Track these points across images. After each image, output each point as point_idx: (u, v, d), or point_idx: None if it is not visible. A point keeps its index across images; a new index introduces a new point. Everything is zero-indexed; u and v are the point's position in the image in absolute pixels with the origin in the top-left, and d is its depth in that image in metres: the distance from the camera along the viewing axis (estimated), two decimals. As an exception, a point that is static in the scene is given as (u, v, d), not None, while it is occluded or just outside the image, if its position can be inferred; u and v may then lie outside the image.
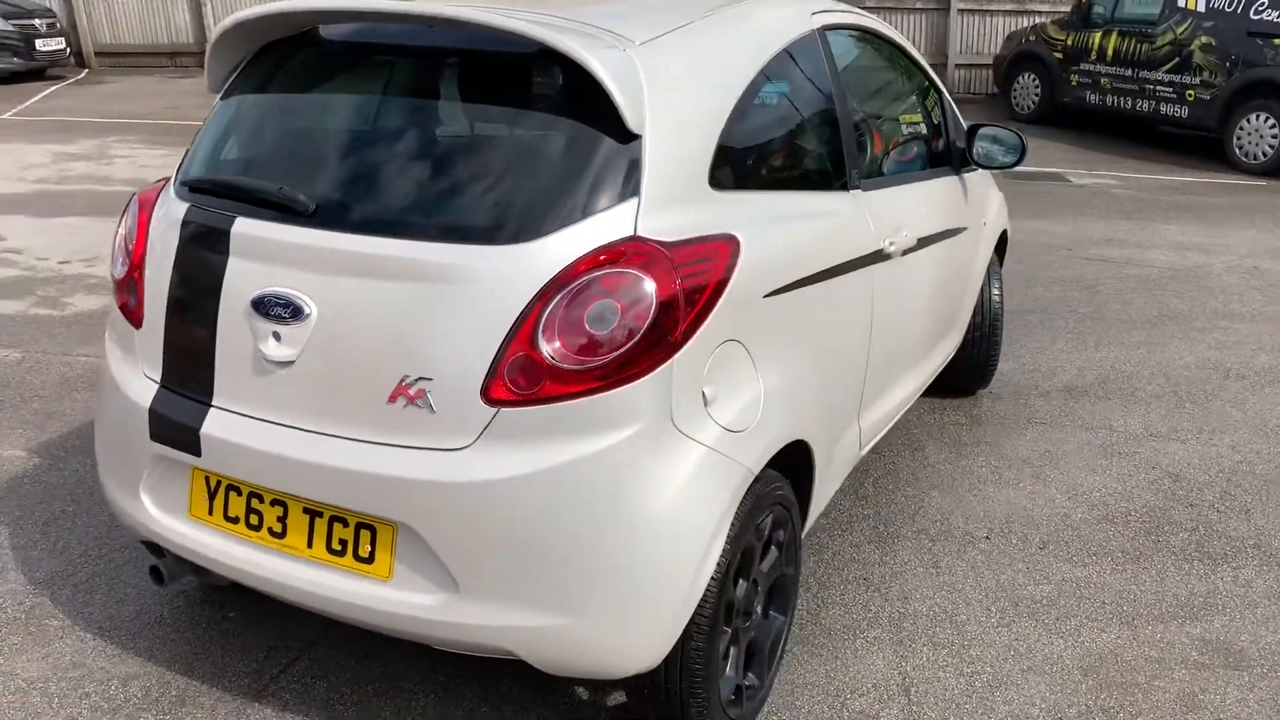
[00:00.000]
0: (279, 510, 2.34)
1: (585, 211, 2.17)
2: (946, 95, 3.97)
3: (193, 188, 2.53)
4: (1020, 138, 3.86)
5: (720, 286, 2.27)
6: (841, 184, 2.95)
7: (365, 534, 2.26)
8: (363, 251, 2.21)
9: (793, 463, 2.70)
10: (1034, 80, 12.59)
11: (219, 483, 2.42)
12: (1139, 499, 3.79)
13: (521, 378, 2.11)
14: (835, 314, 2.79)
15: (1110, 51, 11.58)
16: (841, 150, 2.97)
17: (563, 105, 2.28)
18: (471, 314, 2.13)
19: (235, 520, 2.41)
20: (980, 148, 3.90)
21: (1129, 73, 11.35)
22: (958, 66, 14.64)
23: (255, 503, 2.37)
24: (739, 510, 2.34)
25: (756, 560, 2.53)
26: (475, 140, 2.34)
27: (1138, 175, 9.97)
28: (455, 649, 2.30)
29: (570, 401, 2.11)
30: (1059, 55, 12.14)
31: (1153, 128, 11.74)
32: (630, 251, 2.15)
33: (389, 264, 2.19)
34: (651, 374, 2.14)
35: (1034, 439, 4.26)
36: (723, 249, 2.31)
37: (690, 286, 2.20)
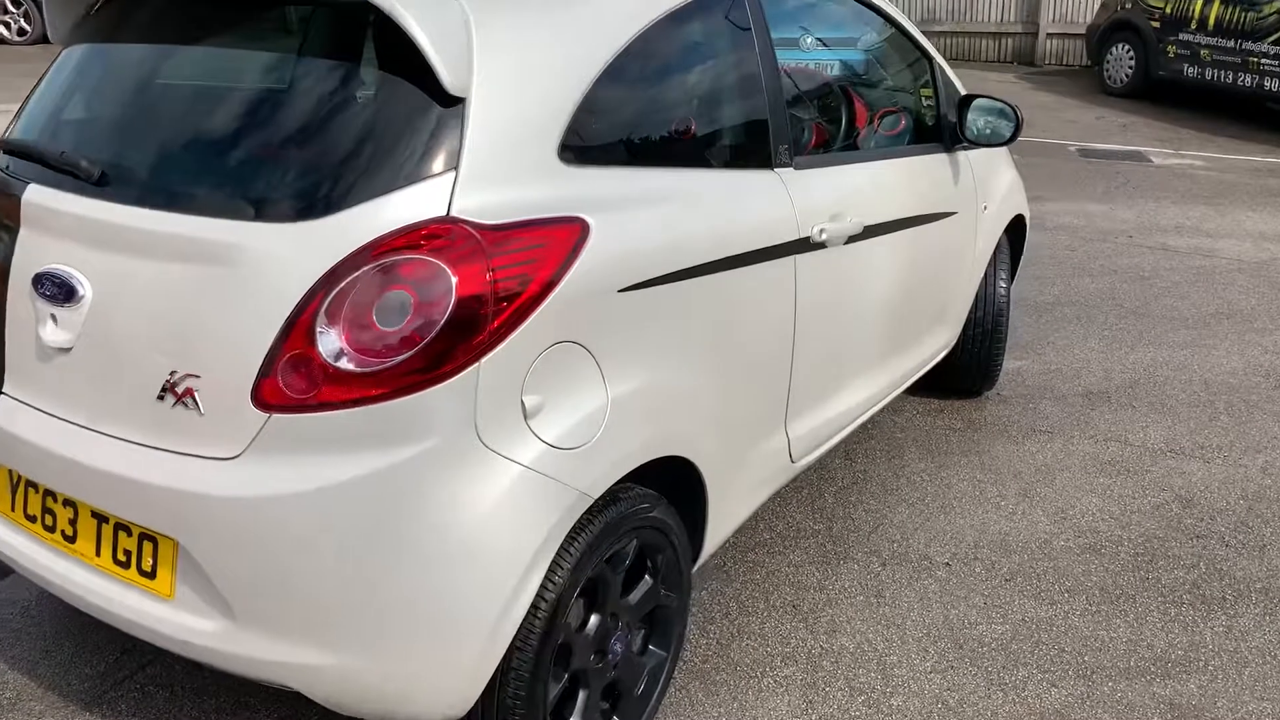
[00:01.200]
0: (70, 512, 2.11)
1: (389, 186, 1.86)
2: (939, 62, 3.53)
3: (5, 149, 2.30)
4: (1014, 111, 3.40)
5: (554, 278, 1.94)
6: (762, 161, 2.58)
7: (148, 546, 2.01)
8: (138, 227, 1.94)
9: (677, 479, 2.37)
10: (1128, 51, 11.74)
11: (18, 478, 2.20)
12: (1137, 526, 3.33)
13: (297, 379, 1.82)
14: (735, 311, 2.43)
15: (1212, 20, 10.70)
16: (766, 122, 2.59)
17: (378, 64, 1.97)
18: (245, 303, 1.84)
19: (33, 519, 2.18)
20: (973, 122, 3.46)
21: (1231, 44, 10.47)
22: (1050, 36, 13.80)
23: (49, 501, 2.14)
24: (575, 538, 2.02)
25: (615, 591, 2.21)
26: (275, 103, 2.04)
27: (1229, 156, 9.18)
28: (247, 678, 2.04)
29: (353, 409, 1.81)
30: (1156, 24, 11.28)
31: (1258, 105, 10.84)
32: (433, 234, 1.84)
33: (164, 241, 1.92)
34: (450, 380, 1.82)
35: (1032, 450, 3.82)
36: (562, 234, 1.98)
37: (510, 277, 1.88)
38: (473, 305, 1.83)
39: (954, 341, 3.89)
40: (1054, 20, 13.77)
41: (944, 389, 4.20)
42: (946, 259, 3.55)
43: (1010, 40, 14.04)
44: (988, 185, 3.78)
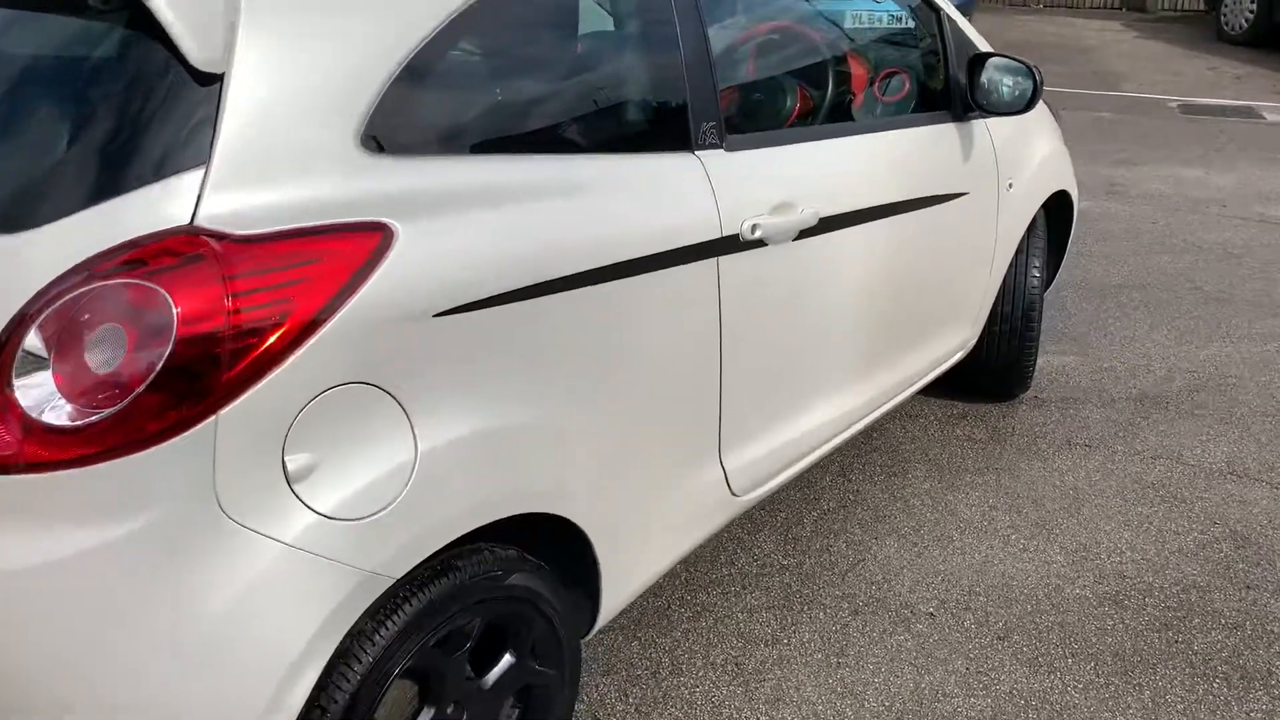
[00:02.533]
0: None
1: (119, 188, 1.47)
2: (949, 12, 2.97)
3: None
4: (1033, 72, 2.83)
5: (333, 303, 1.53)
6: (675, 142, 2.11)
7: None
8: None
9: (555, 533, 1.95)
10: (1249, -6, 10.66)
11: None
12: (1174, 571, 2.78)
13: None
14: (624, 330, 1.97)
15: (1345, -42, 9.61)
16: (684, 92, 2.12)
17: (114, 38, 1.58)
18: None
19: None
20: (986, 86, 2.90)
21: (1367, -16, 9.40)
22: (1163, -21, 12.69)
23: None
24: (377, 623, 1.63)
25: (457, 677, 1.81)
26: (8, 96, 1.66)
27: (1356, 111, 8.21)
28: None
29: (56, 473, 1.44)
30: (1280, -37, 10.20)
31: (1394, 52, 9.73)
32: (161, 250, 1.44)
33: None
34: (174, 439, 1.44)
35: (1063, 469, 3.27)
36: (349, 245, 1.57)
37: (264, 304, 1.48)
38: (203, 343, 1.43)
39: (974, 340, 3.35)
40: (1168, -39, 12.66)
41: (970, 390, 3.67)
42: (954, 248, 3.01)
43: (1119, -16, 12.98)
44: (1014, 158, 3.21)
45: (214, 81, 1.52)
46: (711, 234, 2.10)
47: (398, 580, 1.64)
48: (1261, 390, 3.77)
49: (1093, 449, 3.38)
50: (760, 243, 2.22)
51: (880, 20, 2.95)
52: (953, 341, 3.20)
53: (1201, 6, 12.18)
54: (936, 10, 2.93)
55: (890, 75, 2.97)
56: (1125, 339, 4.19)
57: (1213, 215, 5.71)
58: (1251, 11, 10.67)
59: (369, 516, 1.58)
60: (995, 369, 3.54)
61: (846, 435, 2.78)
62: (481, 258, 1.71)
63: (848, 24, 2.93)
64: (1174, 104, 8.33)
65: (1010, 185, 3.19)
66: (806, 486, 3.16)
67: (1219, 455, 3.35)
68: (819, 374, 2.58)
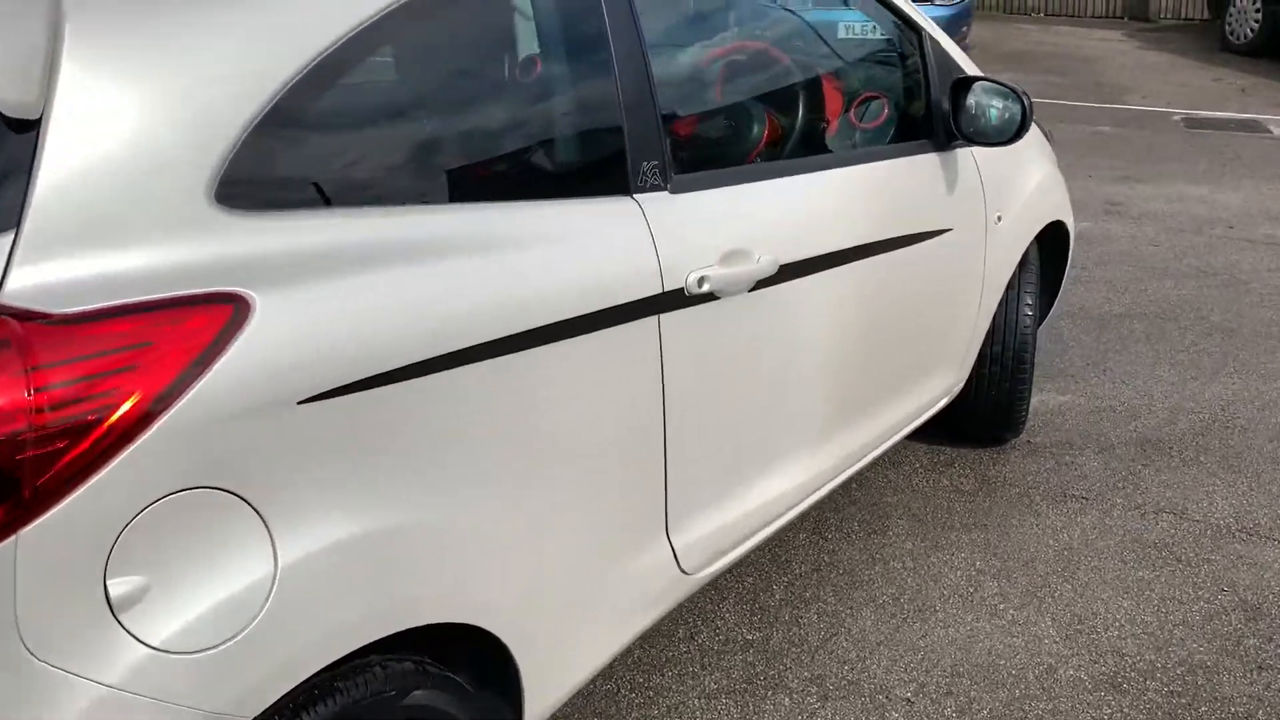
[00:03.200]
0: None
1: (-91, 260, 1.23)
2: (931, 33, 2.72)
3: None
4: (1021, 99, 2.57)
5: (169, 392, 1.28)
6: (611, 186, 1.86)
7: None
8: None
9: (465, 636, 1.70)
10: (1254, 2, 10.41)
11: None
12: (1177, 648, 2.52)
13: None
14: (546, 403, 1.72)
15: (1353, -34, 9.37)
16: (620, 127, 1.86)
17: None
18: None
19: None
20: (970, 114, 2.64)
21: (1376, -7, 9.15)
22: (1166, -13, 12.44)
23: None
24: None
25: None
26: None
27: (1366, 124, 7.95)
28: None
29: None
30: (1286, -29, 9.95)
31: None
32: (-52, 340, 1.20)
33: None
34: (-37, 565, 1.19)
35: (1057, 525, 3.01)
36: (196, 322, 1.32)
37: (81, 397, 1.23)
38: (6, 446, 1.18)
39: (960, 384, 3.09)
40: (1171, -31, 12.41)
41: (959, 434, 3.41)
42: (937, 288, 2.76)
43: (1121, -8, 12.73)
44: (1004, 189, 2.96)
45: (29, 128, 1.28)
46: (650, 289, 1.85)
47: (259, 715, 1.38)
48: (1273, 433, 3.51)
49: (1089, 502, 3.12)
50: (710, 296, 1.96)
51: (856, 42, 2.71)
52: (937, 387, 2.95)
53: (1205, 15, 11.93)
54: (917, 30, 2.68)
55: (867, 102, 2.72)
56: (1126, 375, 3.94)
57: (1218, 237, 5.45)
58: (1257, 20, 10.42)
59: (215, 648, 1.33)
60: (985, 414, 3.28)
61: (818, 496, 2.52)
62: (362, 331, 1.46)
63: (819, 46, 2.69)
64: (1178, 117, 8.08)
65: (999, 218, 2.94)
66: (778, 547, 2.90)
67: (1226, 509, 3.09)
68: (783, 434, 2.33)
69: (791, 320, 2.21)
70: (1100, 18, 12.88)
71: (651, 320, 1.86)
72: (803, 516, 2.95)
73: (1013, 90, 2.56)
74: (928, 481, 3.24)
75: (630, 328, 1.82)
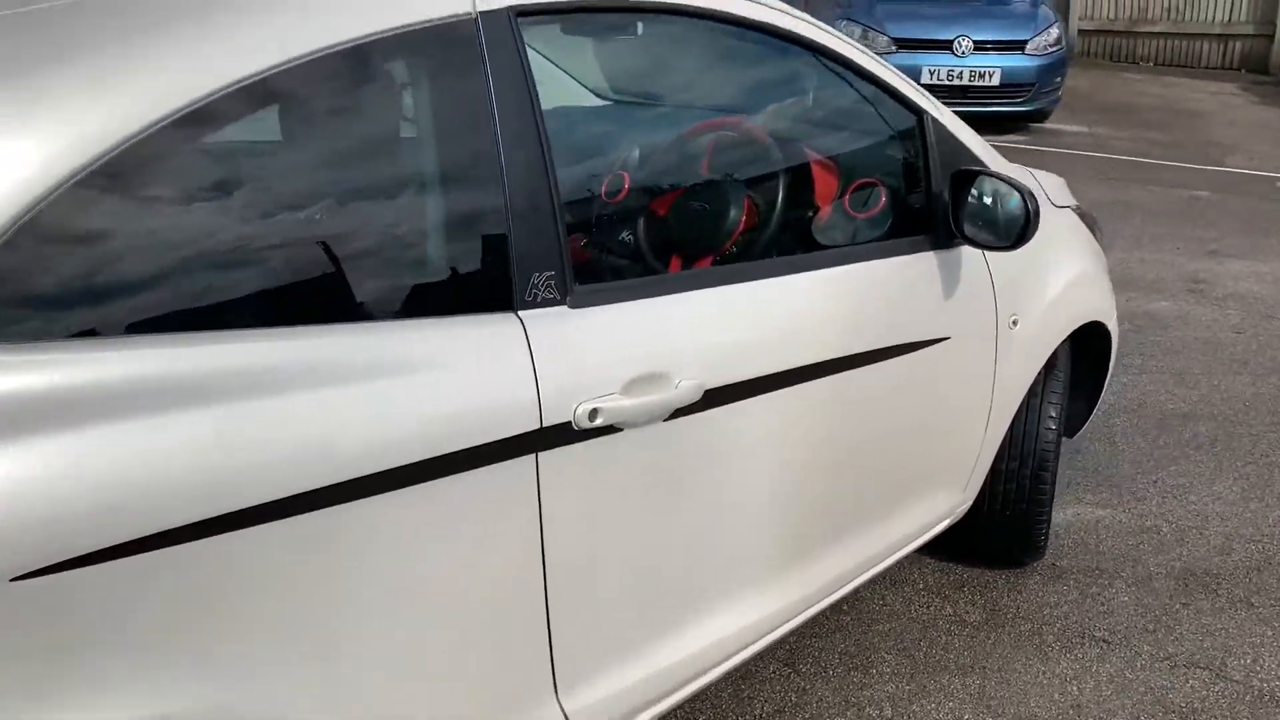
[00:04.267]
0: None
1: None
2: (936, 114, 2.40)
3: None
4: (1025, 198, 2.22)
5: None
6: (491, 300, 1.60)
7: None
8: None
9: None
10: (1383, 61, 9.69)
11: None
12: None
13: None
14: (365, 568, 1.46)
15: None
16: (505, 236, 1.60)
17: None
18: None
19: None
20: (970, 211, 2.31)
21: None
22: (1289, 39, 11.71)
23: None
24: None
25: None
26: None
27: None
28: None
29: None
30: None
31: None
32: None
33: None
34: None
35: (1069, 674, 2.63)
36: None
37: None
38: None
39: (966, 505, 2.74)
40: (1296, 20, 11.68)
41: (973, 552, 3.05)
42: (929, 404, 2.43)
43: (1239, 43, 12.03)
44: (1023, 290, 2.61)
45: None
46: (523, 424, 1.58)
47: None
48: (1342, 574, 3.07)
49: (1111, 647, 2.73)
50: (610, 429, 1.69)
51: (840, 124, 2.41)
52: (934, 510, 2.60)
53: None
54: (919, 113, 2.36)
55: (848, 194, 2.41)
56: (1179, 489, 3.51)
57: (1311, 326, 4.94)
58: (1385, 79, 9.70)
59: None
60: (998, 536, 2.92)
61: (772, 638, 2.21)
62: (110, 487, 1.22)
63: (793, 128, 2.40)
64: (1284, 184, 7.49)
65: (1015, 322, 2.59)
66: (741, 680, 2.59)
67: (1274, 670, 2.67)
68: (715, 577, 2.02)
69: (726, 450, 1.92)
70: (1214, 69, 12.19)
71: (526, 460, 1.60)
72: (777, 644, 2.65)
73: (1018, 189, 2.23)
74: (928, 608, 2.89)
75: (495, 471, 1.56)
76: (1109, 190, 7.20)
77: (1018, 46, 8.48)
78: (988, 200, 2.28)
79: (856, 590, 2.78)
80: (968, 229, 2.31)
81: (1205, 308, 5.14)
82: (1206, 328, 4.88)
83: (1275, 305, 5.17)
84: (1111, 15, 12.37)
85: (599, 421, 1.65)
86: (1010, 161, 2.79)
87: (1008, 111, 8.57)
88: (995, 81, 8.37)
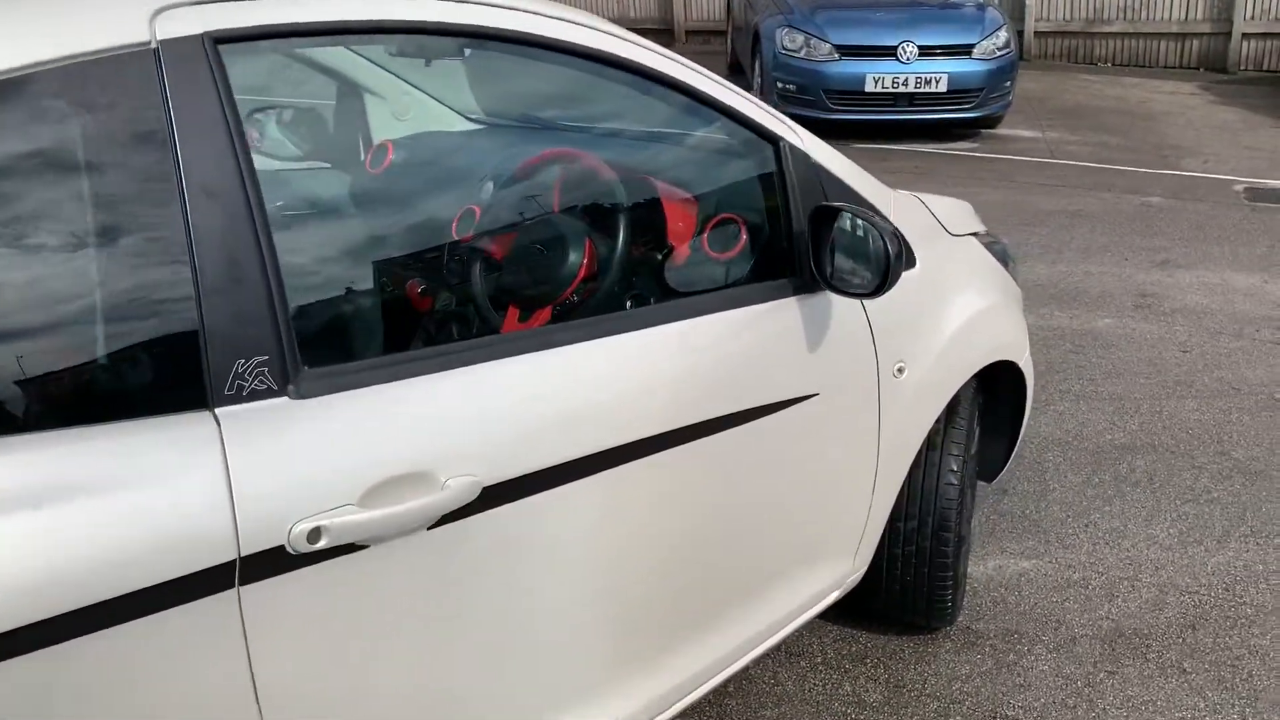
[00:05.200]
0: None
1: None
2: (797, 143, 2.10)
3: None
4: (885, 240, 1.92)
5: None
6: (175, 398, 1.29)
7: None
8: None
9: None
10: (1341, 57, 9.49)
11: None
12: None
13: None
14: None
15: None
16: (194, 314, 1.30)
17: None
18: None
19: None
20: (832, 252, 2.01)
21: None
22: (1246, 37, 11.50)
23: None
24: None
25: None
26: None
27: None
28: None
29: None
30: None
31: None
32: None
33: None
34: None
35: (975, 765, 2.34)
36: None
37: None
38: None
39: (857, 573, 2.44)
40: (1252, 17, 11.47)
41: (881, 617, 2.75)
42: (794, 470, 2.13)
43: (1196, 42, 11.82)
44: (908, 334, 2.32)
45: None
46: (215, 554, 1.27)
47: None
48: (1285, 630, 2.78)
49: (1026, 729, 2.44)
50: (350, 547, 1.38)
51: (689, 157, 2.12)
52: (815, 584, 2.30)
53: (1290, 68, 10.99)
54: (774, 140, 2.07)
55: (713, 231, 2.12)
56: (1112, 534, 3.22)
57: (1264, 342, 4.66)
58: (1344, 76, 9.48)
59: None
60: (899, 602, 2.62)
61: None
62: None
63: (634, 160, 2.11)
64: (1240, 187, 7.23)
65: (901, 370, 2.29)
66: (601, 784, 2.28)
67: (1206, 749, 2.38)
68: (522, 698, 1.72)
69: (522, 552, 1.61)
70: (1173, 68, 11.97)
71: (225, 597, 1.29)
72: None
73: (879, 229, 1.93)
74: (825, 685, 2.59)
75: (186, 613, 1.25)
76: (1059, 199, 6.94)
77: (965, 51, 8.21)
78: (849, 240, 1.99)
79: (746, 668, 2.49)
80: (829, 272, 2.01)
81: (1152, 324, 4.86)
82: (1152, 346, 4.61)
83: (1224, 320, 4.90)
84: (1067, 16, 12.14)
85: (325, 542, 1.35)
86: (940, 183, 2.50)
87: (956, 118, 8.30)
88: (942, 88, 8.10)
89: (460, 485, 1.48)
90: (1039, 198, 6.95)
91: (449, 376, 1.53)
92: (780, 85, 8.35)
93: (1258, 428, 3.87)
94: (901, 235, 1.92)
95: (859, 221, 1.95)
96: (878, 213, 2.13)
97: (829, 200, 2.12)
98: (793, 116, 8.44)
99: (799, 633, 2.74)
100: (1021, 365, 2.75)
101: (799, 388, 2.05)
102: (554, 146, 2.23)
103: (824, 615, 2.79)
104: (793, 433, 2.07)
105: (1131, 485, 3.48)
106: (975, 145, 8.41)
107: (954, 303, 2.48)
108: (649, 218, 2.17)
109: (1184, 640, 2.73)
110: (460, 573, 1.53)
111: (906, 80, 8.08)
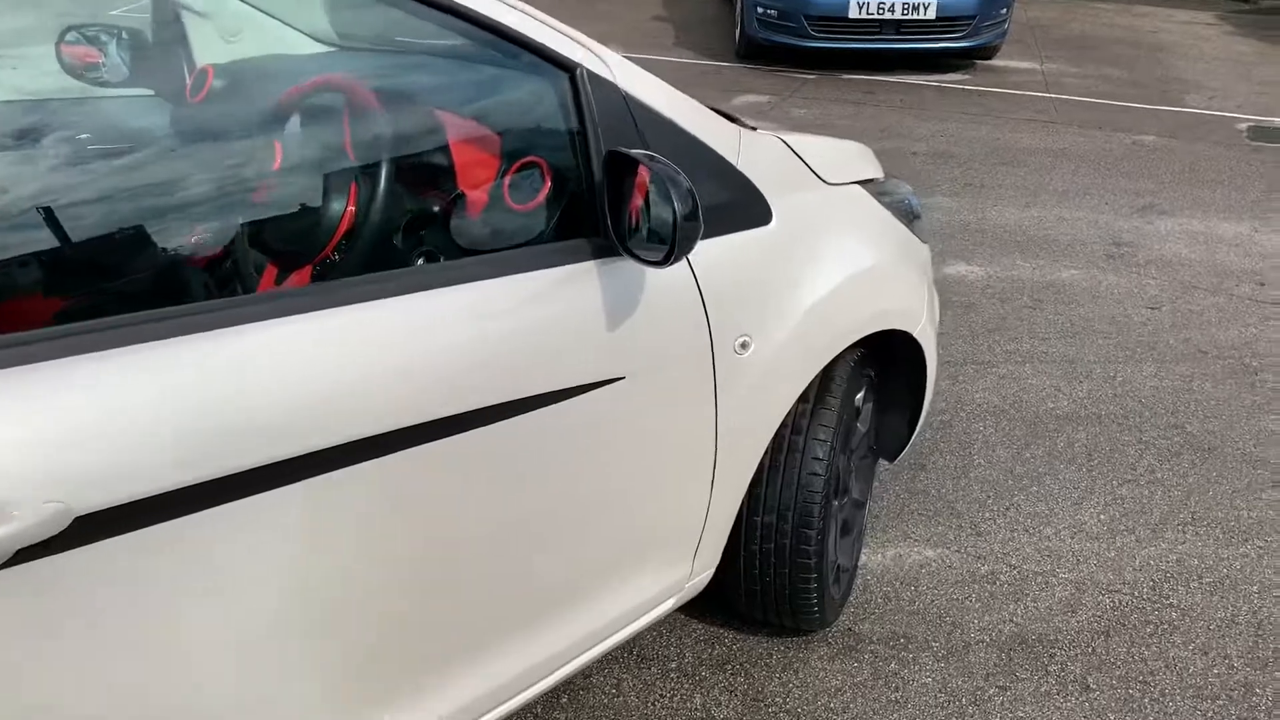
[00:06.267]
0: None
1: None
2: (597, 73, 1.72)
3: None
4: (675, 198, 1.55)
5: None
6: None
7: None
8: None
9: None
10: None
11: None
12: None
13: None
14: None
15: None
16: None
17: None
18: None
19: None
20: (651, 202, 1.65)
21: None
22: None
23: None
24: None
25: None
26: None
27: None
28: None
29: None
30: None
31: None
32: None
33: None
34: None
35: (825, 800, 2.03)
36: None
37: None
38: None
39: (701, 576, 2.11)
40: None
41: (749, 617, 2.44)
42: (605, 464, 1.79)
43: (1219, -32, 11.13)
44: (756, 301, 1.95)
45: None
46: None
47: None
48: (1216, 634, 2.44)
49: (892, 755, 2.13)
50: None
51: (476, 93, 1.75)
52: (642, 591, 1.97)
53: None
54: (570, 69, 1.69)
55: (536, 166, 1.76)
56: (1034, 520, 2.88)
57: (1241, 299, 4.26)
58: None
59: None
60: (761, 604, 2.31)
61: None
62: None
63: (413, 93, 1.74)
64: (1244, 126, 6.74)
65: (744, 345, 1.94)
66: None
67: (1096, 785, 2.06)
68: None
69: (138, 592, 1.28)
70: (1194, -3, 11.32)
71: None
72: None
73: (672, 180, 1.56)
74: (672, 698, 2.28)
75: None
76: (1046, 136, 6.47)
77: (956, -26, 7.69)
78: (653, 196, 1.62)
79: (589, 673, 2.20)
80: (623, 232, 1.65)
81: (1122, 276, 4.46)
82: (1118, 302, 4.22)
83: (1201, 273, 4.49)
84: (1082, -61, 11.47)
85: None
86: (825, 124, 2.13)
87: (947, 47, 7.78)
88: (931, 15, 7.57)
89: (42, 515, 1.14)
90: (1024, 135, 6.49)
91: (88, 362, 1.20)
92: (760, 10, 7.84)
93: (1220, 398, 3.50)
94: (692, 192, 1.56)
95: (660, 168, 1.58)
96: (705, 157, 1.77)
97: (647, 143, 1.76)
98: (773, 44, 7.96)
99: (657, 633, 2.43)
100: (917, 335, 2.39)
101: (602, 370, 1.70)
102: (322, 74, 1.86)
103: (690, 613, 2.48)
104: (598, 421, 1.73)
105: (1066, 462, 3.13)
106: (966, 77, 7.90)
107: (821, 264, 2.11)
108: (434, 160, 1.81)
109: (1093, 650, 2.41)
110: (39, 613, 1.21)
111: (893, 6, 7.56)
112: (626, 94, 1.76)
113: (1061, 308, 4.14)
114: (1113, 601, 2.56)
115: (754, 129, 2.16)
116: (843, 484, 2.36)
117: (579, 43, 1.73)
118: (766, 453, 2.13)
